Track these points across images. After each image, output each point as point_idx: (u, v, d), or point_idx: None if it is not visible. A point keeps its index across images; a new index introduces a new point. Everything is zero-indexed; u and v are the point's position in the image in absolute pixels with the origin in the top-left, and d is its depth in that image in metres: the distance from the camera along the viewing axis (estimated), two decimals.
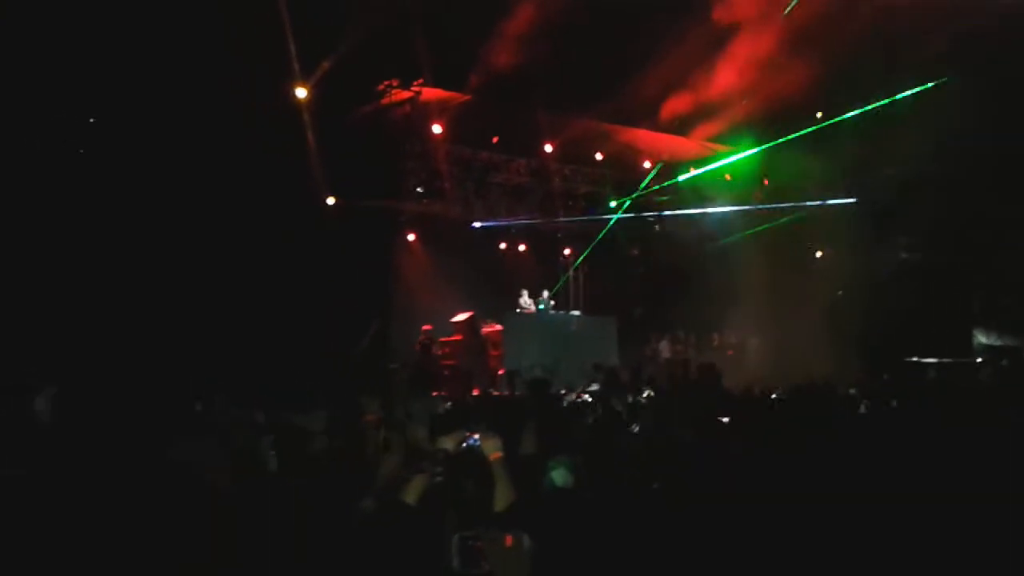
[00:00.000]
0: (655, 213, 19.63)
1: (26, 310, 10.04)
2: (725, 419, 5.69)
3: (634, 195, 18.70)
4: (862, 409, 7.23)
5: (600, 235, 18.89)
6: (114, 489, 3.29)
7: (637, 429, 5.35)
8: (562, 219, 19.10)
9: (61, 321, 10.19)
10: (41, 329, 9.88)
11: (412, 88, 14.97)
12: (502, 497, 3.35)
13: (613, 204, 19.08)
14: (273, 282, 12.43)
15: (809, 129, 15.90)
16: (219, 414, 5.90)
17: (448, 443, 3.53)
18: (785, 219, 19.30)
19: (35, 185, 10.66)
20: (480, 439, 3.53)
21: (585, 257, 19.59)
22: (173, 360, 9.84)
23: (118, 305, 10.89)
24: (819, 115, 15.90)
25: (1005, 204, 16.91)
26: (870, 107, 15.24)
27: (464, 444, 3.51)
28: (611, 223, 18.79)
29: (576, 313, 18.50)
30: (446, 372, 15.10)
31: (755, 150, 17.21)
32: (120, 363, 9.40)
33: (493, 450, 3.50)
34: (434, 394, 11.92)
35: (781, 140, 16.36)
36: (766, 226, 19.38)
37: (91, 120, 11.87)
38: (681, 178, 18.59)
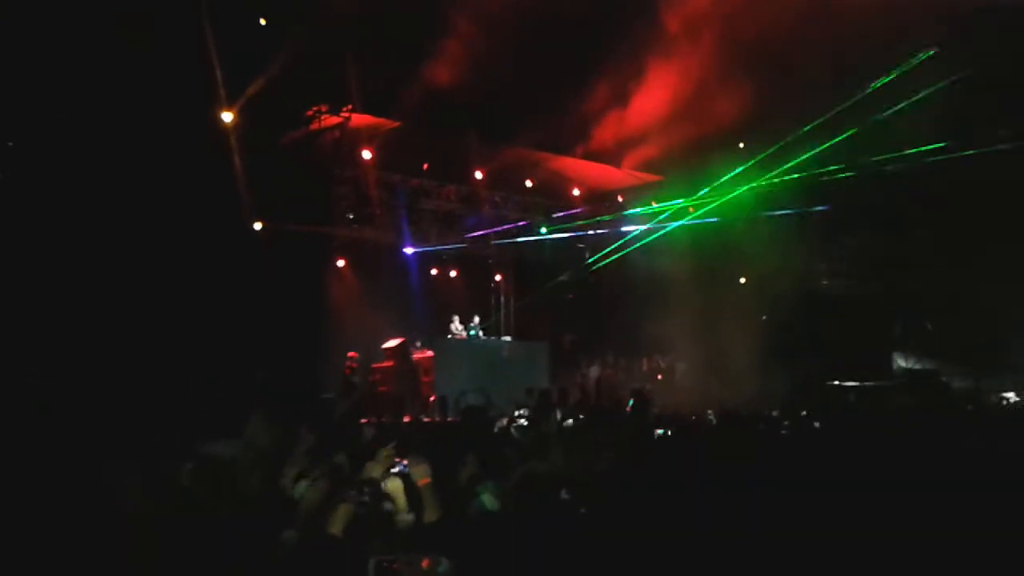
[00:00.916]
0: (582, 233, 19.79)
1: None
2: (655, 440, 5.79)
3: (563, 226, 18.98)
4: (784, 432, 7.42)
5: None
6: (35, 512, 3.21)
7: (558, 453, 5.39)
8: (492, 244, 19.18)
9: None
10: None
11: (342, 114, 14.93)
12: (431, 522, 3.36)
13: (544, 231, 19.27)
14: (199, 307, 12.16)
15: (738, 167, 16.37)
16: (144, 440, 5.74)
17: (376, 470, 3.52)
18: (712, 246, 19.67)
19: None
20: (409, 465, 3.53)
21: (516, 283, 19.70)
22: (98, 385, 9.57)
23: (42, 330, 10.54)
24: (740, 145, 16.37)
25: (926, 231, 17.63)
26: (789, 139, 15.71)
27: (393, 470, 3.50)
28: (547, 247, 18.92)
29: (507, 339, 18.56)
30: (377, 398, 14.94)
31: (679, 202, 17.66)
32: (45, 389, 9.12)
33: (422, 476, 3.50)
34: (363, 421, 11.78)
35: (708, 183, 16.82)
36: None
37: (9, 144, 11.49)
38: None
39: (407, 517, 3.55)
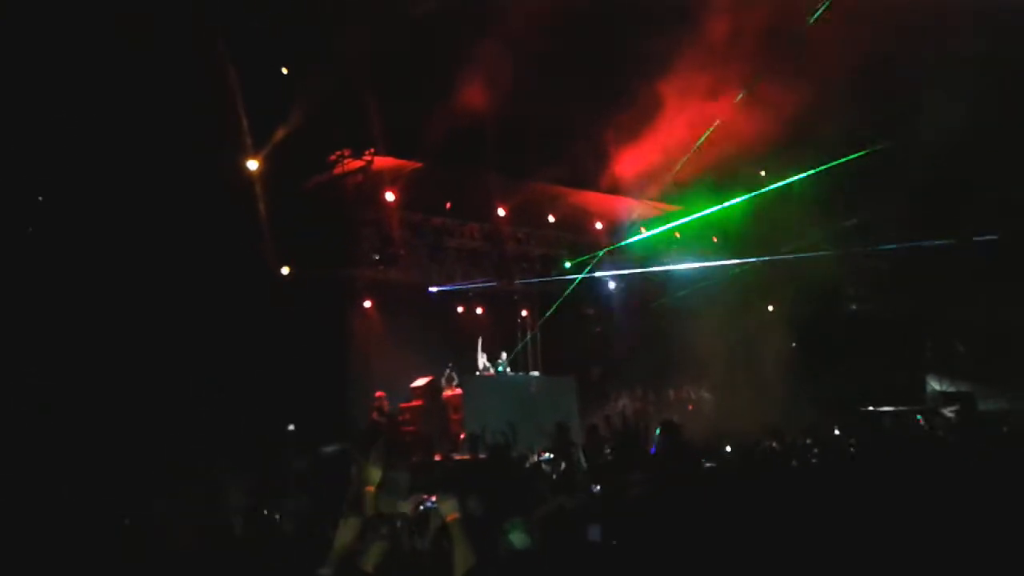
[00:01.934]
0: (610, 273, 19.79)
1: None
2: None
3: (589, 256, 18.98)
4: (814, 460, 7.34)
5: (564, 293, 19.02)
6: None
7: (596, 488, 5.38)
8: (518, 282, 19.23)
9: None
10: None
11: (364, 157, 15.11)
12: (461, 559, 3.34)
13: (568, 265, 19.30)
14: (228, 354, 12.29)
15: (756, 193, 16.33)
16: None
17: (406, 507, 3.53)
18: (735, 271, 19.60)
19: None
20: (437, 501, 3.53)
21: (542, 318, 19.70)
22: (133, 436, 9.70)
23: (70, 380, 10.71)
24: (763, 174, 16.35)
25: (953, 251, 17.44)
26: (816, 170, 15.64)
27: (421, 507, 3.51)
28: (575, 282, 18.94)
29: (535, 374, 18.53)
30: (407, 438, 14.94)
31: (701, 213, 17.61)
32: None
33: (450, 511, 3.49)
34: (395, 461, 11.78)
35: (728, 204, 16.76)
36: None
37: (40, 198, 11.76)
38: (630, 240, 18.89)
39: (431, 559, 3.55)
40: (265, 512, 5.01)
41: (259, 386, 12.47)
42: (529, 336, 19.83)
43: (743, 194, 16.69)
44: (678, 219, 18.57)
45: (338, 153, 15.03)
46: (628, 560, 4.15)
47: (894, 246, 17.00)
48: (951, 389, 20.69)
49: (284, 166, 13.09)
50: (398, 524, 3.45)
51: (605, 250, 18.85)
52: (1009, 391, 17.74)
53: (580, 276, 18.94)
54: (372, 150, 14.90)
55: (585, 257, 19.08)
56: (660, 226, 18.75)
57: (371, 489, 3.77)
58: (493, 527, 4.06)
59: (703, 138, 14.22)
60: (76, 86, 10.51)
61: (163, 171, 11.44)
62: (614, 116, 14.47)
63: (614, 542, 4.35)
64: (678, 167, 15.12)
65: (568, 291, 18.90)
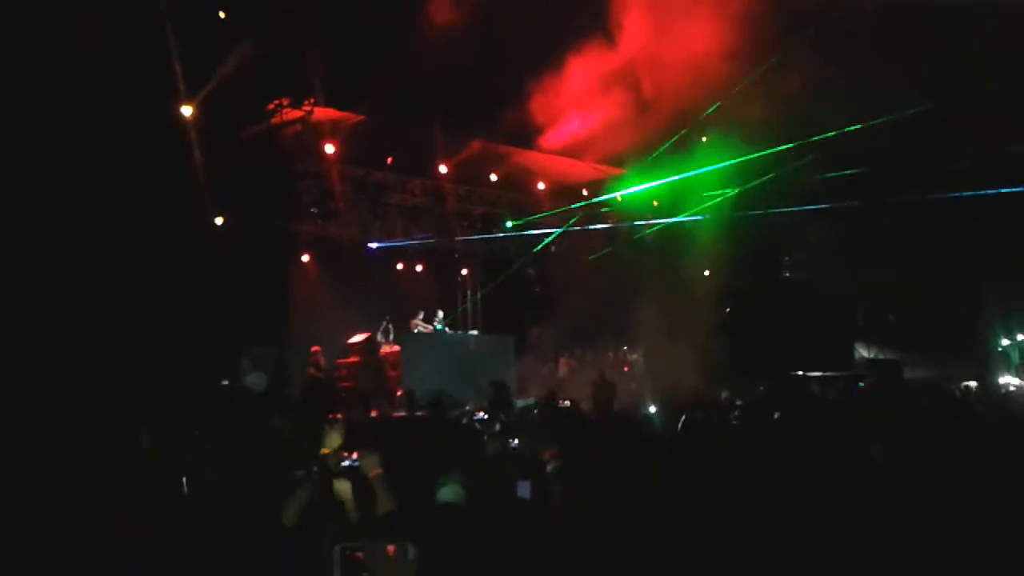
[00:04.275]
0: (550, 229, 19.84)
1: None
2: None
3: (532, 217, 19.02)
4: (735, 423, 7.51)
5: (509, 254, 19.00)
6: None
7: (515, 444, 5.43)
8: (459, 239, 19.17)
9: None
10: None
11: (304, 107, 14.78)
12: (382, 507, 3.37)
13: (509, 224, 19.29)
14: (162, 303, 12.01)
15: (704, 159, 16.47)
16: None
17: (330, 459, 3.53)
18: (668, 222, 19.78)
19: None
20: (359, 457, 3.54)
21: (483, 278, 19.70)
22: (61, 385, 9.45)
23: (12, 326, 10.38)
24: (704, 139, 16.47)
25: (889, 223, 17.87)
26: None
27: (344, 463, 3.52)
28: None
29: (474, 333, 18.56)
30: (343, 394, 14.87)
31: (648, 185, 17.75)
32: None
33: (372, 467, 3.51)
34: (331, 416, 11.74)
35: (674, 174, 16.89)
36: (654, 229, 19.81)
37: None
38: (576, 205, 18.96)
39: (355, 515, 3.55)
40: (197, 469, 4.93)
41: (194, 339, 12.23)
42: (470, 296, 19.82)
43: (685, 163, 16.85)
44: (624, 185, 18.65)
45: (276, 102, 14.67)
46: (553, 519, 4.21)
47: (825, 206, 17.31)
48: (879, 356, 21.41)
49: (220, 113, 12.73)
50: (314, 469, 3.46)
51: (549, 212, 18.91)
52: (936, 360, 18.43)
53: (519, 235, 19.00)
54: (312, 100, 14.58)
55: (529, 219, 19.10)
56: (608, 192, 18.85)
57: (326, 452, 3.76)
58: (426, 482, 4.07)
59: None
60: (12, 29, 10.03)
61: (98, 116, 11.01)
62: (557, 76, 14.39)
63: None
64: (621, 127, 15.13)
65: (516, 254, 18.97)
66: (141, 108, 11.64)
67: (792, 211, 17.78)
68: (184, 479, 4.50)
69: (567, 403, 10.88)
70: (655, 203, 20.07)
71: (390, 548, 2.99)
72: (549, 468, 4.25)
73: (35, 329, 10.77)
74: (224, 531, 3.52)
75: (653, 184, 18.02)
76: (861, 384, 17.04)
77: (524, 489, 4.13)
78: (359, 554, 2.95)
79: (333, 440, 3.84)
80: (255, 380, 12.45)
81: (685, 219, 19.21)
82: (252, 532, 3.50)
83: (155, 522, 3.83)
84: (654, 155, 16.55)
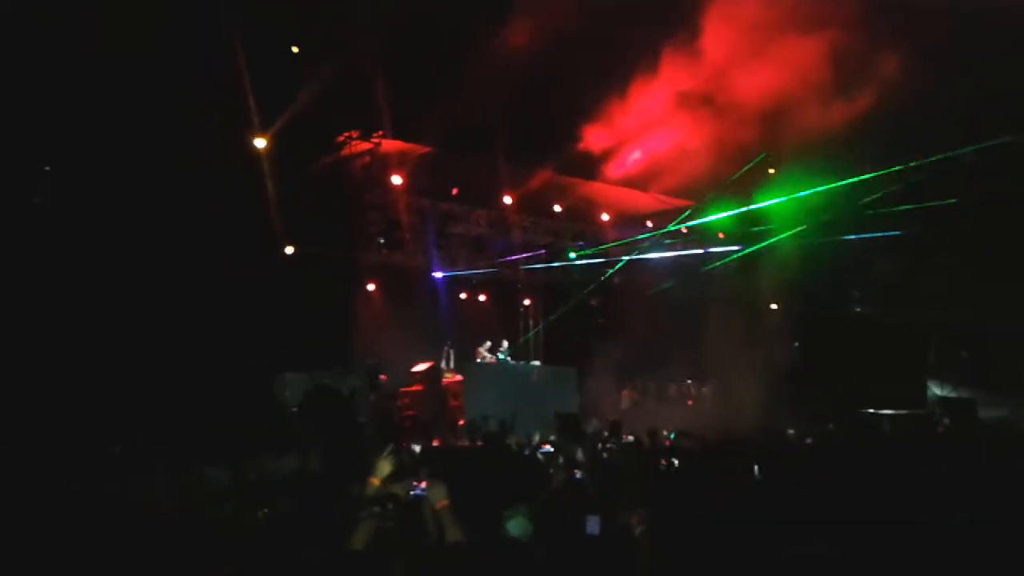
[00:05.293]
0: (613, 259, 19.73)
1: None
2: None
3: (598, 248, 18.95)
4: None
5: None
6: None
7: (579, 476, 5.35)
8: (522, 269, 19.20)
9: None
10: None
11: (372, 139, 15.07)
12: (451, 539, 3.35)
13: (573, 255, 19.25)
14: (232, 331, 12.28)
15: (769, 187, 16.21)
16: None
17: (399, 490, 3.52)
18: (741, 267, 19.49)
19: None
20: (427, 488, 3.52)
21: (545, 308, 19.67)
22: (133, 415, 9.70)
23: (71, 353, 10.70)
24: (771, 172, 16.23)
25: (959, 256, 17.33)
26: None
27: (411, 493, 3.50)
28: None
29: (536, 364, 18.51)
30: (406, 423, 14.93)
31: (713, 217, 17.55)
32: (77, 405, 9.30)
33: (439, 498, 3.49)
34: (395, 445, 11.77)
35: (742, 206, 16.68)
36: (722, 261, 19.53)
37: (47, 168, 11.72)
38: (641, 236, 18.81)
39: (427, 545, 3.53)
40: (258, 490, 4.99)
41: (260, 364, 12.47)
42: (532, 326, 19.79)
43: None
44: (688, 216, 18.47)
45: (346, 135, 14.99)
46: (626, 555, 4.12)
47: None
48: (952, 395, 20.65)
49: (292, 146, 13.04)
50: (389, 507, 3.44)
51: (611, 244, 18.80)
52: (1011, 399, 17.69)
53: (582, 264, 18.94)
54: (380, 133, 14.85)
55: (593, 250, 19.04)
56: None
57: (375, 482, 3.76)
58: (490, 515, 4.04)
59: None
60: (89, 64, 10.45)
61: (174, 147, 11.39)
62: (624, 109, 14.38)
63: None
64: (687, 160, 15.01)
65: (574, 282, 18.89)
66: (217, 140, 11.99)
67: (863, 239, 17.36)
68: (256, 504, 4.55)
69: (631, 438, 10.69)
70: (720, 235, 19.81)
71: None
72: (637, 532, 4.10)
73: (115, 352, 11.10)
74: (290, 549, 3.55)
75: (719, 216, 17.75)
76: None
77: (593, 525, 4.07)
78: None
79: (383, 469, 3.83)
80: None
81: (751, 250, 18.89)
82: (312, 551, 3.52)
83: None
84: (723, 186, 16.32)
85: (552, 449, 8.64)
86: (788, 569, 3.72)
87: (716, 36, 13.05)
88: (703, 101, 13.96)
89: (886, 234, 16.98)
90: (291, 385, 13.34)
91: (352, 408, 12.39)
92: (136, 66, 10.61)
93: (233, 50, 11.41)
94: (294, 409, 12.26)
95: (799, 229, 17.29)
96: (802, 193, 15.80)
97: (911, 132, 13.36)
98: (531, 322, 19.93)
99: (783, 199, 16.21)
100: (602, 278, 19.47)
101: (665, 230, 18.79)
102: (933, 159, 14.17)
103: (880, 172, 14.86)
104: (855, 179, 15.05)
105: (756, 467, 6.11)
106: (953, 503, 5.01)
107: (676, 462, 7.07)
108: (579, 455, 6.96)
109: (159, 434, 8.06)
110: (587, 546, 3.96)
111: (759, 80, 13.06)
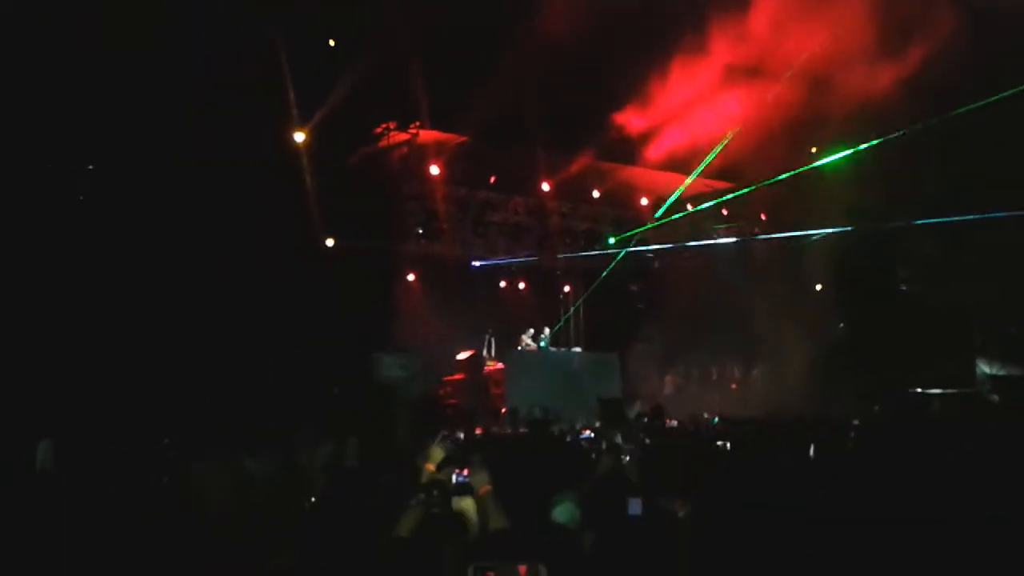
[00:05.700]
0: (654, 247, 19.62)
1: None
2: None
3: (635, 232, 18.81)
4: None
5: (604, 272, 18.91)
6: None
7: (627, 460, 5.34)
8: (561, 256, 19.16)
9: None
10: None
11: (409, 130, 15.12)
12: (495, 525, 3.36)
13: (612, 240, 19.17)
14: (273, 323, 12.46)
15: (805, 168, 15.93)
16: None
17: (443, 476, 3.55)
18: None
19: (36, 229, 10.76)
20: (469, 474, 3.54)
21: (585, 294, 19.62)
22: (176, 406, 9.89)
23: (120, 347, 10.95)
24: (813, 150, 15.96)
25: (1006, 233, 16.92)
26: (866, 145, 15.15)
27: (453, 480, 3.52)
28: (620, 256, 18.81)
29: (577, 350, 18.49)
30: (448, 411, 15.04)
31: (750, 188, 17.28)
32: (122, 401, 9.51)
33: (482, 484, 3.50)
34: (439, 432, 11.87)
35: (778, 178, 16.38)
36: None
37: (90, 167, 11.97)
38: (679, 215, 18.61)
39: (473, 532, 3.56)
40: (302, 477, 5.07)
41: (302, 356, 12.63)
42: (571, 311, 19.77)
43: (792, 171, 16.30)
44: (726, 195, 18.26)
45: (384, 126, 15.06)
46: (668, 539, 4.12)
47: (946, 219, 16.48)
48: (1001, 373, 20.21)
49: (330, 138, 13.14)
50: (434, 493, 3.46)
51: (648, 226, 18.67)
52: None
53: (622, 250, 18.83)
54: (418, 123, 14.90)
55: (630, 233, 18.93)
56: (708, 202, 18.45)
57: (431, 468, 3.81)
58: (538, 502, 4.05)
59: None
60: (132, 62, 10.63)
61: (213, 142, 11.56)
62: (661, 92, 14.23)
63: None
64: (726, 142, 14.83)
65: (611, 266, 18.80)
66: (256, 134, 12.12)
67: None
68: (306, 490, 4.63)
69: (674, 423, 10.65)
70: (763, 216, 19.60)
71: (522, 568, 2.95)
72: (680, 515, 4.10)
73: (166, 344, 11.34)
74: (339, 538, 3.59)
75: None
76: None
77: (635, 506, 4.06)
78: (491, 573, 2.92)
79: (436, 455, 3.87)
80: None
81: (793, 234, 18.66)
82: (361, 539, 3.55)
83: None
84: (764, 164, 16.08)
85: (593, 435, 8.65)
86: (828, 555, 3.69)
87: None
88: (747, 73, 13.75)
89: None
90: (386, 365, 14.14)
91: (394, 395, 12.49)
92: (177, 64, 10.75)
93: (271, 46, 11.52)
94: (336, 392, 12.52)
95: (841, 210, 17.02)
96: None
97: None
98: (571, 308, 19.90)
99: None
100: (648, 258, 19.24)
101: (699, 208, 18.56)
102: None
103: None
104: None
105: (812, 448, 6.04)
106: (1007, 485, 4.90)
107: (722, 444, 7.03)
108: (618, 439, 6.94)
109: (208, 424, 8.20)
110: (630, 529, 3.96)
111: (806, 46, 12.79)
